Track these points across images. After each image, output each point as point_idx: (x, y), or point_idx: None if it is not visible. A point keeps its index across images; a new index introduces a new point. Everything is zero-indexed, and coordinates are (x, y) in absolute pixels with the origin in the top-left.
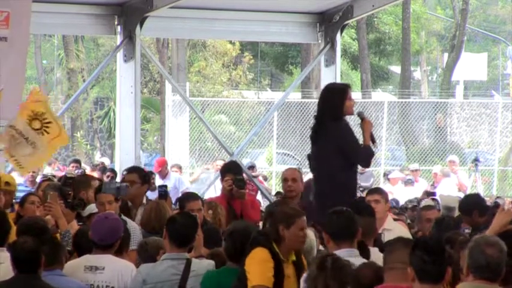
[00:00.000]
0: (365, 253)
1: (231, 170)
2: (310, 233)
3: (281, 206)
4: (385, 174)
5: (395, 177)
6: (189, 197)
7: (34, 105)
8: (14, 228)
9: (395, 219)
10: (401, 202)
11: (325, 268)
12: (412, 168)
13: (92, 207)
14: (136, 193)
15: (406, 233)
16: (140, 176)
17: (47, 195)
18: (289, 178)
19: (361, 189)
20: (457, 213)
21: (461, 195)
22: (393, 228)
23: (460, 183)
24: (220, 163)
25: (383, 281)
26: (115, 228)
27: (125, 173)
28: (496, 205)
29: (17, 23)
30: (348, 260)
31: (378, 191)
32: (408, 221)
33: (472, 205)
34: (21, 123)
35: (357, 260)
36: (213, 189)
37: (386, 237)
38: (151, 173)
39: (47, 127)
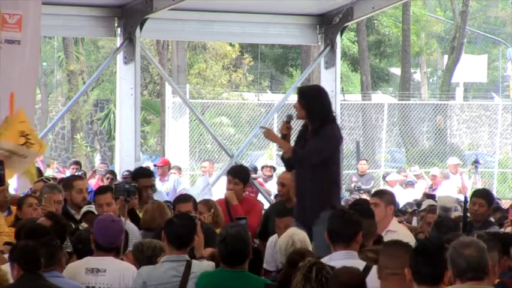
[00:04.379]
0: None
1: (230, 173)
2: (303, 233)
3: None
4: (384, 177)
5: (392, 179)
6: (179, 198)
7: (21, 125)
8: (12, 231)
9: (399, 222)
10: (401, 204)
11: (309, 278)
12: (414, 173)
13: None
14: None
15: (410, 236)
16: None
17: (42, 196)
18: (278, 182)
19: (361, 191)
20: (453, 214)
21: (462, 197)
22: (397, 230)
23: (463, 185)
24: (206, 164)
25: (365, 286)
26: (121, 230)
27: (126, 173)
28: (498, 207)
29: (29, 26)
30: (334, 265)
31: (378, 194)
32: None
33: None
34: (7, 144)
35: (352, 263)
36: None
37: (390, 238)
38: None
39: (29, 140)
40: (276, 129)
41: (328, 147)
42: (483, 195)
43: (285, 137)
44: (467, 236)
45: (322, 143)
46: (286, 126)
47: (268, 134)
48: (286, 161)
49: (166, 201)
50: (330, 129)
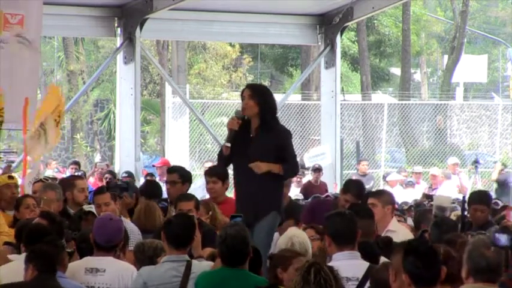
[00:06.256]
0: (372, 255)
1: (206, 173)
2: (303, 235)
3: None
4: (384, 177)
5: (392, 179)
6: (181, 197)
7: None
8: (12, 231)
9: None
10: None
11: (308, 280)
12: (416, 171)
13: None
14: (177, 193)
15: (409, 235)
16: (180, 175)
17: (42, 198)
18: None
19: None
20: (454, 213)
21: (461, 197)
22: (397, 230)
23: (462, 185)
24: (209, 165)
25: None
26: (120, 229)
27: (124, 175)
28: (504, 207)
29: (31, 25)
30: (333, 265)
31: (375, 194)
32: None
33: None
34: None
35: (358, 263)
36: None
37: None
38: (151, 174)
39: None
40: None
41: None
42: (482, 200)
43: (233, 132)
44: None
45: (292, 148)
46: (237, 123)
47: (260, 168)
48: (226, 158)
49: (164, 200)
50: (287, 130)
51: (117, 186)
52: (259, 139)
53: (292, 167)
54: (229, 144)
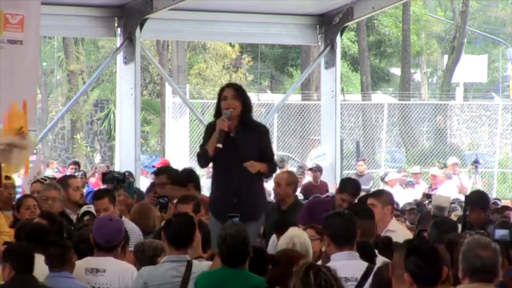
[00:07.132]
0: (370, 255)
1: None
2: (304, 235)
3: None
4: (382, 178)
5: (392, 178)
6: (181, 198)
7: (18, 121)
8: (12, 231)
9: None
10: (401, 204)
11: (308, 283)
12: (414, 172)
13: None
14: (169, 194)
15: (409, 235)
16: (168, 176)
17: (48, 197)
18: (274, 182)
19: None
20: (455, 213)
21: (461, 197)
22: (397, 230)
23: (462, 185)
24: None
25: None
26: (120, 229)
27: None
28: (504, 207)
29: (30, 26)
30: (332, 266)
31: (374, 195)
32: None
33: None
34: (4, 138)
35: (357, 263)
36: None
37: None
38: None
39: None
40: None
41: None
42: (478, 204)
43: (223, 133)
44: (482, 236)
45: (271, 146)
46: (228, 123)
47: (255, 167)
48: (210, 157)
49: (162, 199)
50: (266, 127)
51: (114, 178)
52: (241, 139)
53: (275, 166)
54: (220, 145)
